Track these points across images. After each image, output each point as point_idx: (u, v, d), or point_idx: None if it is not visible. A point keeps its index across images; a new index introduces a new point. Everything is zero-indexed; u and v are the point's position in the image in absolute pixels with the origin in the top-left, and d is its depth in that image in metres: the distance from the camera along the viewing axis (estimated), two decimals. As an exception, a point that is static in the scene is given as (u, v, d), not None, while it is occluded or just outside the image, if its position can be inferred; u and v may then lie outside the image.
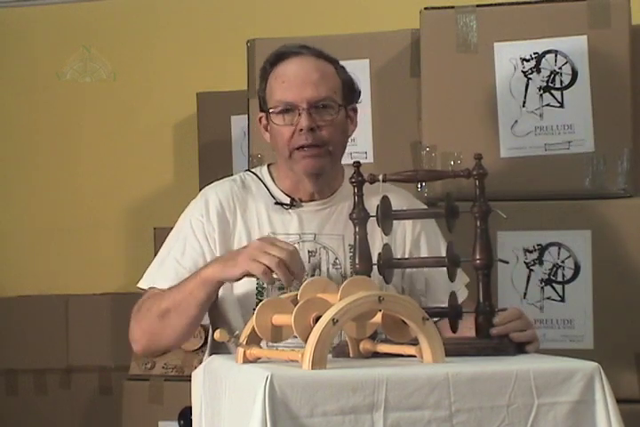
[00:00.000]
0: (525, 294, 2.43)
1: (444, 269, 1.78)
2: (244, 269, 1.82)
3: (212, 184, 2.13)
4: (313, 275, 2.02)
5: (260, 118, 2.09)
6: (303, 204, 2.07)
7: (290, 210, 2.06)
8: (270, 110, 2.02)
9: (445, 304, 1.80)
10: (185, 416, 2.91)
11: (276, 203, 2.06)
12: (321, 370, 1.46)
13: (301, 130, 1.97)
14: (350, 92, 2.07)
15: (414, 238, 2.09)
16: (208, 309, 1.98)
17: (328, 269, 2.03)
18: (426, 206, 2.23)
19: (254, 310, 1.92)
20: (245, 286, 2.01)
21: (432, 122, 2.50)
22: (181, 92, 3.70)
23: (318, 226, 2.05)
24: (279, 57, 2.04)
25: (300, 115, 1.98)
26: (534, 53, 2.44)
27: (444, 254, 1.80)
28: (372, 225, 1.79)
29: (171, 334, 1.97)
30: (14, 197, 3.97)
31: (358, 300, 1.49)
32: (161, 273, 2.04)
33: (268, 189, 2.08)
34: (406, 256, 2.07)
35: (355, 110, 2.09)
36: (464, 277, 2.06)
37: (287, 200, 2.07)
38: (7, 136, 3.99)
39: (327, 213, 2.07)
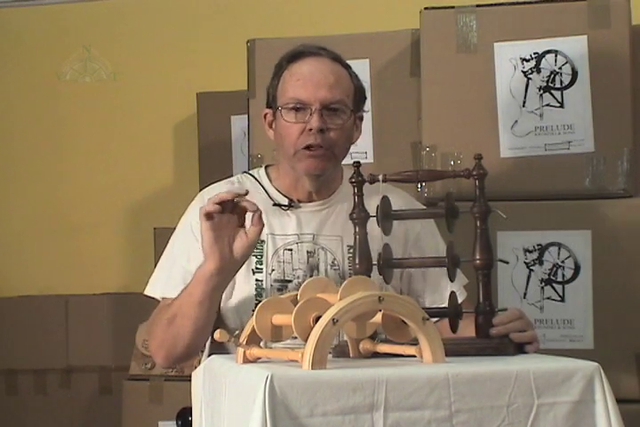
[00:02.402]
0: (525, 294, 2.43)
1: (443, 270, 1.78)
2: (203, 237, 1.84)
3: (208, 186, 2.13)
4: (311, 275, 2.02)
5: (266, 115, 2.09)
6: (301, 204, 2.07)
7: (288, 211, 2.06)
8: (281, 107, 2.01)
9: (444, 305, 1.80)
10: (183, 417, 2.91)
11: (275, 204, 2.06)
12: (321, 370, 1.46)
13: (311, 130, 1.97)
14: (360, 99, 2.07)
15: (413, 239, 2.09)
16: (214, 308, 1.93)
17: (326, 269, 2.03)
18: (424, 207, 2.23)
19: (253, 311, 1.93)
20: (245, 287, 2.01)
21: (432, 122, 2.50)
22: (181, 92, 3.71)
23: (317, 227, 2.05)
24: (296, 56, 2.03)
25: (311, 114, 1.97)
26: (534, 53, 2.44)
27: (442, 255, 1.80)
28: (371, 225, 1.79)
29: (180, 340, 1.93)
30: (14, 197, 3.98)
31: (358, 300, 1.49)
32: (171, 282, 2.02)
33: (266, 191, 2.08)
34: (405, 257, 2.06)
35: (361, 118, 2.08)
36: (463, 279, 2.06)
37: (285, 201, 2.06)
38: (7, 136, 3.99)
39: (326, 213, 2.07)
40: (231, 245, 1.86)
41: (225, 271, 1.87)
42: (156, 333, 1.97)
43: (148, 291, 2.07)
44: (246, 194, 1.85)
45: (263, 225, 1.87)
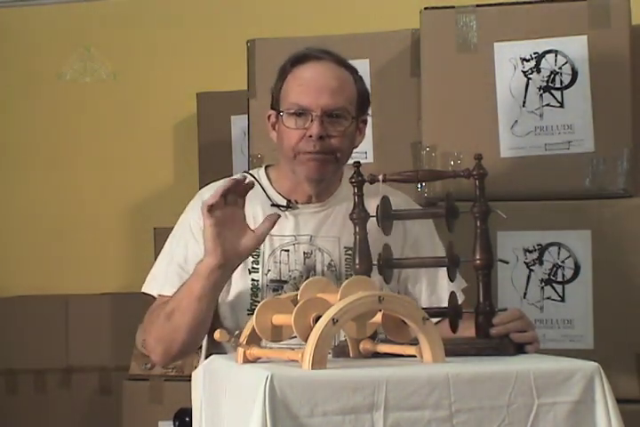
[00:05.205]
0: (525, 294, 2.43)
1: (441, 272, 1.78)
2: (205, 233, 1.84)
3: (208, 185, 2.12)
4: (308, 276, 2.01)
5: (270, 116, 2.08)
6: (300, 205, 2.07)
7: (286, 212, 2.05)
8: (283, 112, 2.00)
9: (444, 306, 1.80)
10: (180, 418, 2.90)
11: (273, 204, 2.06)
12: (321, 370, 1.46)
13: (311, 136, 1.96)
14: (364, 103, 2.06)
15: (411, 241, 2.08)
16: (213, 303, 1.93)
17: (323, 270, 2.03)
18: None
19: (248, 310, 1.93)
20: (241, 286, 2.01)
21: (432, 122, 2.50)
22: (181, 92, 3.71)
23: (314, 228, 2.05)
24: (300, 59, 2.02)
25: (312, 121, 1.96)
26: (534, 53, 2.44)
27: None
28: (370, 226, 1.79)
29: (178, 335, 1.93)
30: (14, 197, 3.98)
31: (358, 300, 1.49)
32: (168, 281, 2.03)
33: (265, 191, 2.08)
34: (404, 258, 2.06)
35: (365, 122, 2.08)
36: (461, 282, 2.06)
37: (284, 202, 2.06)
38: (7, 136, 3.99)
39: (324, 215, 2.06)
40: (234, 239, 1.86)
41: (226, 267, 1.88)
42: (153, 328, 1.97)
43: (145, 288, 2.08)
44: (249, 185, 1.86)
45: (275, 222, 1.89)
